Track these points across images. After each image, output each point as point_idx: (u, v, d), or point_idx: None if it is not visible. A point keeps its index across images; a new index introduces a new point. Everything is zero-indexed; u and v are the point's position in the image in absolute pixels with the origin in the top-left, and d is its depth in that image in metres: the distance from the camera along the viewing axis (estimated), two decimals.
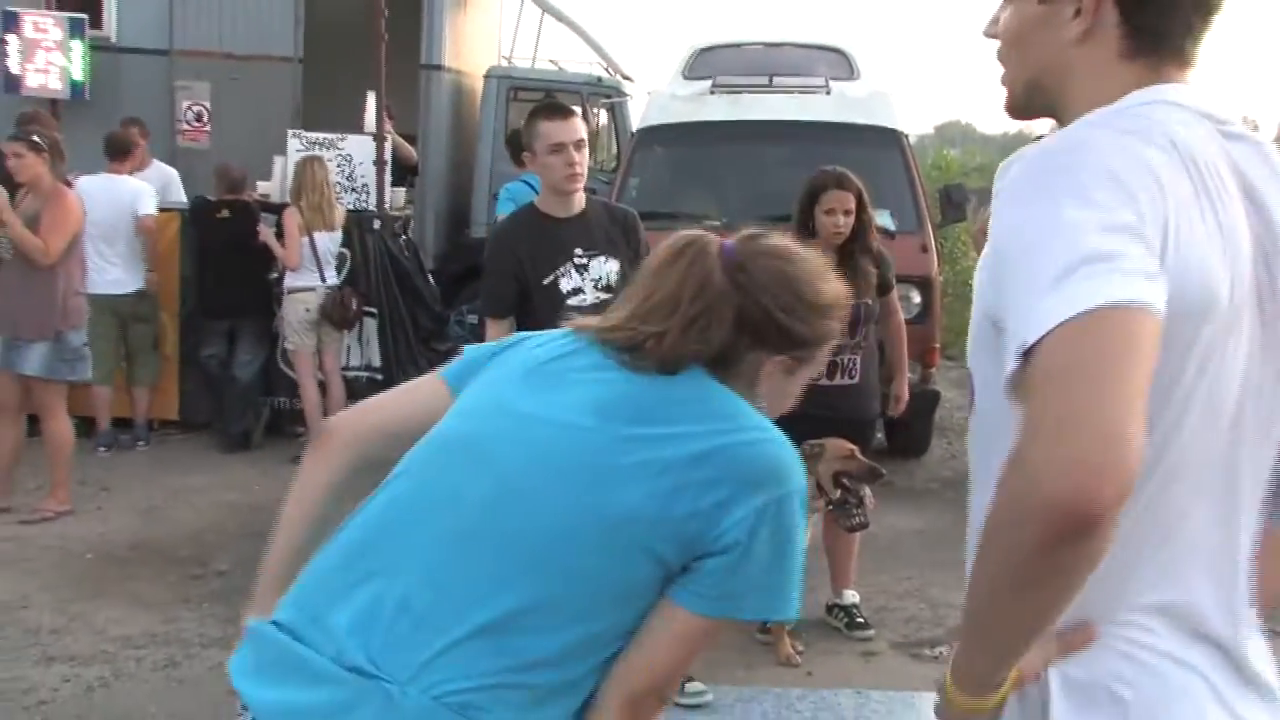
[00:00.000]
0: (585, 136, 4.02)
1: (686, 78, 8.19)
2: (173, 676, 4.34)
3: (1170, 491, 1.26)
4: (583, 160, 3.97)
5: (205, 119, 9.51)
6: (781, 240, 1.83)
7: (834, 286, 1.79)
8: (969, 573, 1.25)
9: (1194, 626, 1.30)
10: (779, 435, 1.68)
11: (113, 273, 7.27)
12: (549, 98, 10.65)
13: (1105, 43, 1.32)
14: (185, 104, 9.51)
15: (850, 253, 4.75)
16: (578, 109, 4.42)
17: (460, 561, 1.65)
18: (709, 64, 8.16)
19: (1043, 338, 1.11)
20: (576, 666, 1.63)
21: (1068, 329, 1.10)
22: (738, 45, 8.88)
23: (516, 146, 7.29)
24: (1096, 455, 1.06)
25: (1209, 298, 1.20)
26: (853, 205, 4.74)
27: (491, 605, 1.61)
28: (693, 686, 4.18)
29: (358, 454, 1.88)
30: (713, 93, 7.64)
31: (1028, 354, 1.12)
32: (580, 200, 4.02)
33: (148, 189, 7.52)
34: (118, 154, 7.53)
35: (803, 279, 1.76)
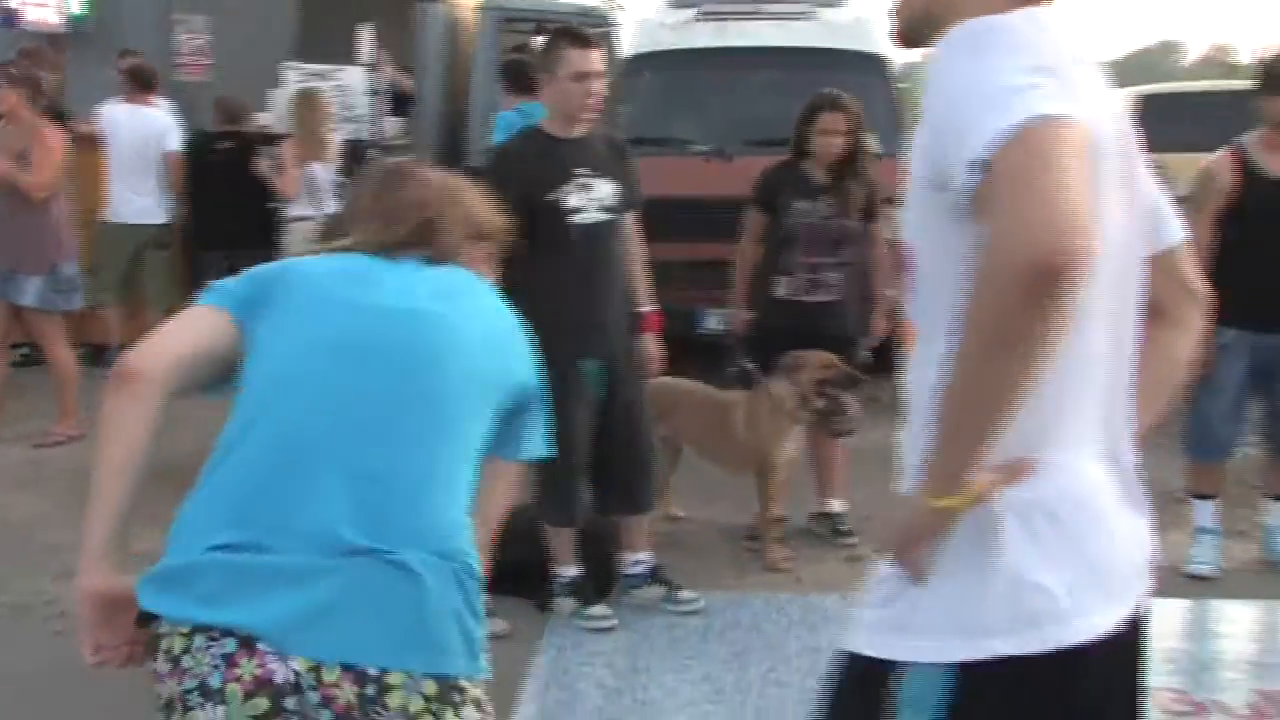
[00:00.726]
0: (604, 68, 4.11)
1: (673, 6, 8.19)
2: None
3: (1085, 330, 1.45)
4: (600, 91, 4.06)
5: (205, 52, 9.48)
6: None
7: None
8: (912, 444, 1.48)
9: (1110, 453, 1.55)
10: None
11: (139, 202, 7.37)
12: (540, 28, 10.65)
13: None
14: (184, 37, 9.49)
15: (841, 174, 4.85)
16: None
17: (395, 438, 1.86)
18: None
19: (995, 151, 1.30)
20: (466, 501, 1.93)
21: (1014, 138, 1.30)
22: None
23: (515, 75, 7.31)
24: (1061, 220, 1.26)
25: (1100, 145, 1.41)
26: (846, 125, 4.82)
27: (435, 465, 1.87)
28: (685, 594, 4.32)
29: (166, 390, 1.90)
30: (699, 20, 7.66)
31: (983, 170, 1.32)
32: (585, 124, 4.11)
33: (173, 124, 7.57)
34: (145, 85, 7.55)
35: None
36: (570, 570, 4.24)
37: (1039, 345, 1.30)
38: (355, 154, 7.71)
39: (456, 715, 1.76)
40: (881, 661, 1.48)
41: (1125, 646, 1.54)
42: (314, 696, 1.70)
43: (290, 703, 1.70)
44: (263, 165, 7.34)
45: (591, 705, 3.67)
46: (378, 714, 1.72)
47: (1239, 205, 4.46)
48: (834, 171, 4.83)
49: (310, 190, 7.25)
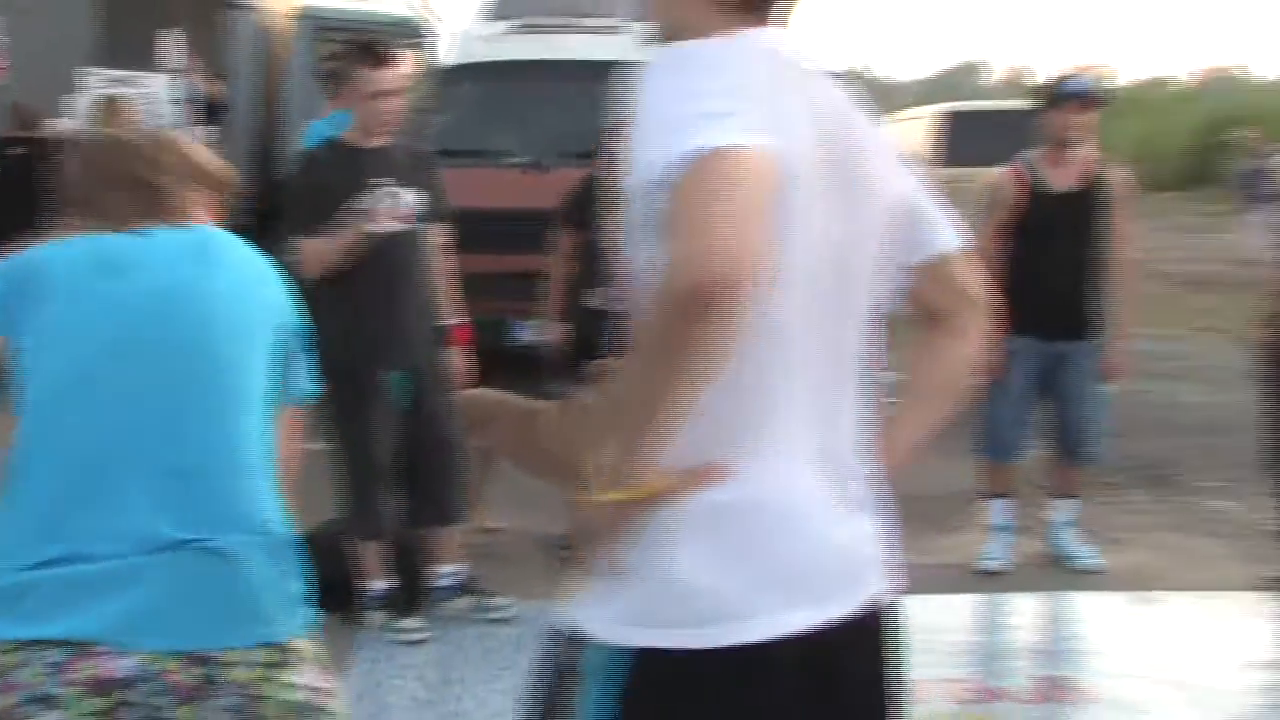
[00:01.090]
0: (404, 84, 4.10)
1: (489, 18, 8.20)
2: None
3: (783, 342, 1.51)
4: (399, 106, 4.07)
5: (5, 55, 9.06)
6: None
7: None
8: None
9: (824, 459, 1.57)
10: None
11: None
12: (358, 37, 10.51)
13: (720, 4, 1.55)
14: None
15: None
16: (401, 53, 4.45)
17: (191, 426, 1.91)
18: (511, 4, 8.18)
19: (673, 175, 1.35)
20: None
21: (691, 165, 1.35)
22: None
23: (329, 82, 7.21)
24: (717, 251, 1.32)
25: (790, 170, 1.44)
26: None
27: (234, 441, 1.93)
28: (498, 600, 4.32)
29: None
30: (514, 33, 7.68)
31: (664, 192, 1.37)
32: (383, 136, 4.11)
33: None
34: None
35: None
36: (380, 583, 4.18)
37: (693, 363, 1.36)
38: None
39: (291, 675, 1.93)
40: (584, 633, 1.55)
41: (839, 647, 1.56)
42: (156, 685, 1.81)
43: (133, 695, 1.80)
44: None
45: (403, 719, 3.64)
46: (218, 689, 1.85)
47: (1023, 218, 4.68)
48: None
49: None
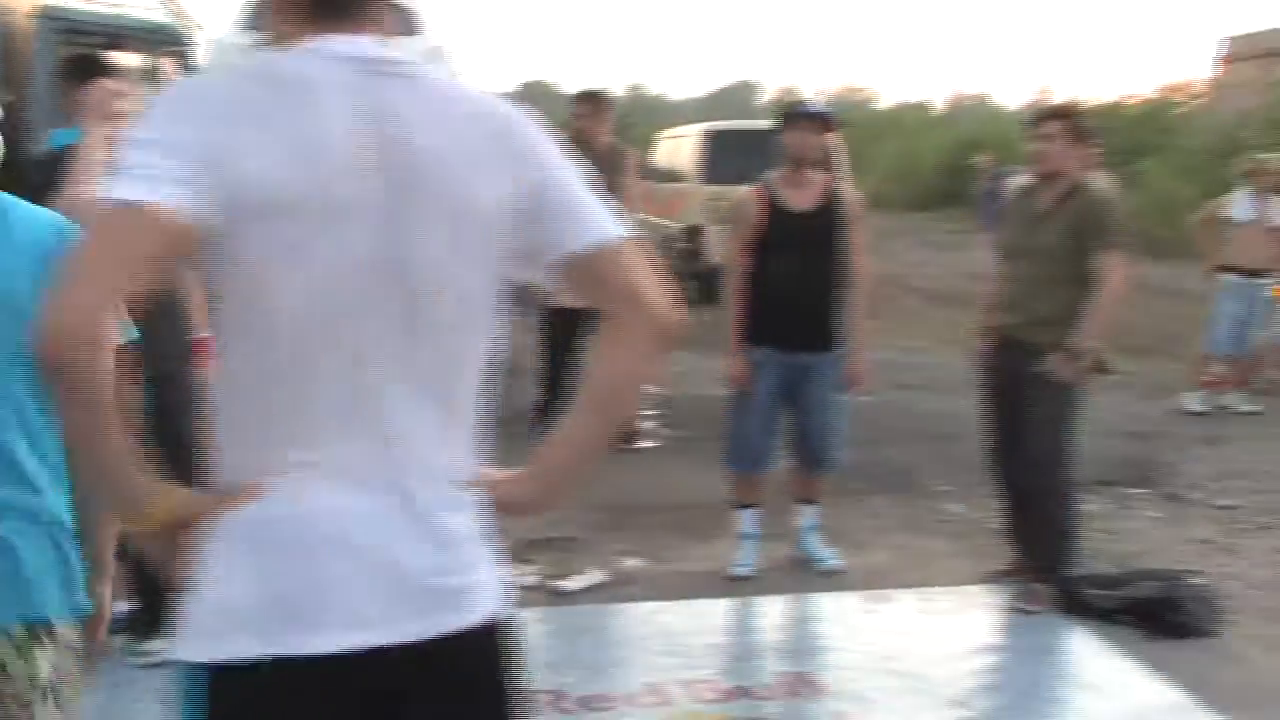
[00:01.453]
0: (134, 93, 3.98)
1: (245, 26, 7.98)
2: None
3: (293, 362, 1.50)
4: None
5: None
6: None
7: None
8: None
9: (363, 474, 1.53)
10: None
11: None
12: (113, 42, 10.07)
13: (297, 12, 1.58)
14: None
15: None
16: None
17: None
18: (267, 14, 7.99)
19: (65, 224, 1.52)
20: None
21: (85, 213, 1.46)
22: None
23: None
24: (58, 309, 1.38)
25: (270, 199, 1.44)
26: None
27: (16, 427, 2.00)
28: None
29: None
30: (265, 43, 7.48)
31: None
32: None
33: None
34: None
35: None
36: (120, 605, 4.03)
37: (81, 407, 1.43)
38: None
39: (41, 652, 2.02)
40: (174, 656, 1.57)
41: (399, 673, 1.53)
42: None
43: None
44: None
45: None
46: None
47: (765, 236, 4.88)
48: None
49: None
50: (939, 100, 68.48)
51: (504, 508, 1.65)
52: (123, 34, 10.01)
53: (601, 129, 6.87)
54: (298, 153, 1.46)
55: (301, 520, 1.51)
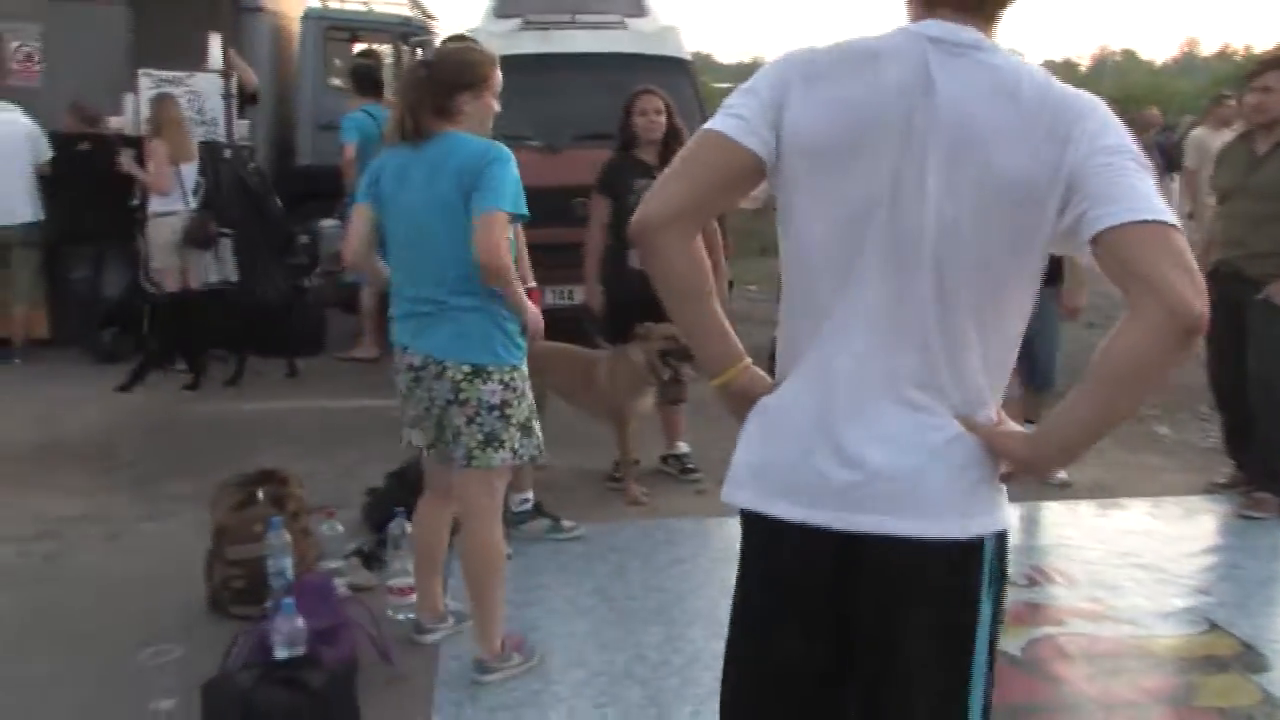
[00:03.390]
0: None
1: (498, 15, 8.55)
2: (118, 545, 4.66)
3: (807, 289, 1.79)
4: None
5: (35, 59, 9.33)
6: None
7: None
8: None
9: (819, 374, 1.77)
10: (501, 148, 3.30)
11: (5, 203, 7.33)
12: (357, 36, 10.84)
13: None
14: (14, 44, 9.31)
15: (668, 156, 5.35)
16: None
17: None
18: (517, 4, 8.52)
19: None
20: None
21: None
22: None
23: (361, 79, 7.58)
24: (643, 205, 1.78)
25: (806, 145, 1.72)
26: (661, 105, 5.35)
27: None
28: (567, 523, 4.78)
29: None
30: (524, 29, 8.01)
31: None
32: None
33: (37, 128, 7.54)
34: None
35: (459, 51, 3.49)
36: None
37: (662, 278, 1.80)
38: (212, 153, 7.82)
39: (484, 384, 3.34)
40: None
41: (819, 554, 1.75)
42: (428, 370, 3.41)
43: (422, 374, 3.43)
44: (130, 164, 7.39)
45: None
46: (443, 382, 3.37)
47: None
48: (662, 155, 5.27)
49: (177, 186, 7.35)
50: (1083, 57, 65.52)
51: (1004, 458, 1.73)
52: (372, 29, 10.79)
53: None
54: (840, 108, 1.70)
55: (780, 410, 1.82)
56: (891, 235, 1.68)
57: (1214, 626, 3.93)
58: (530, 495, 4.79)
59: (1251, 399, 4.97)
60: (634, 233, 1.77)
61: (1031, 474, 1.75)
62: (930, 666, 1.74)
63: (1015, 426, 1.79)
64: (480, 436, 3.35)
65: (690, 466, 5.55)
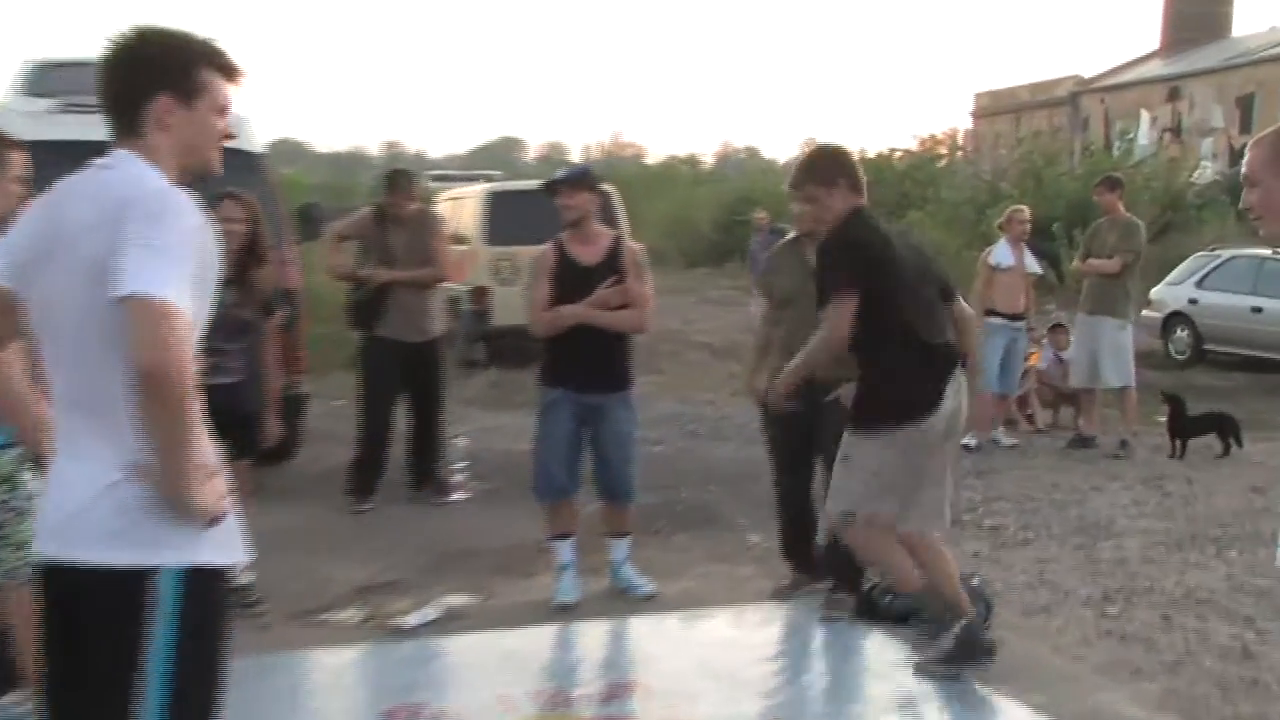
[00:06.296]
0: None
1: (27, 94, 8.19)
2: None
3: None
4: None
5: None
6: None
7: None
8: None
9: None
10: None
11: None
12: None
13: None
14: None
15: (245, 266, 5.46)
16: None
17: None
18: (54, 80, 8.16)
19: None
20: None
21: None
22: (85, 63, 8.92)
23: None
24: None
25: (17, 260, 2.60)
26: (242, 216, 5.46)
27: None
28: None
29: None
30: (62, 111, 7.60)
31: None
32: None
33: None
34: None
35: None
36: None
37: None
38: None
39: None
40: None
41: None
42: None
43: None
44: None
45: None
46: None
47: (561, 289, 5.64)
48: (238, 264, 5.40)
49: None
50: (707, 154, 71.09)
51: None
52: None
53: (407, 200, 7.60)
54: (30, 227, 2.58)
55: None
56: None
57: None
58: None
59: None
60: None
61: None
62: None
63: None
64: None
65: (252, 599, 5.57)
